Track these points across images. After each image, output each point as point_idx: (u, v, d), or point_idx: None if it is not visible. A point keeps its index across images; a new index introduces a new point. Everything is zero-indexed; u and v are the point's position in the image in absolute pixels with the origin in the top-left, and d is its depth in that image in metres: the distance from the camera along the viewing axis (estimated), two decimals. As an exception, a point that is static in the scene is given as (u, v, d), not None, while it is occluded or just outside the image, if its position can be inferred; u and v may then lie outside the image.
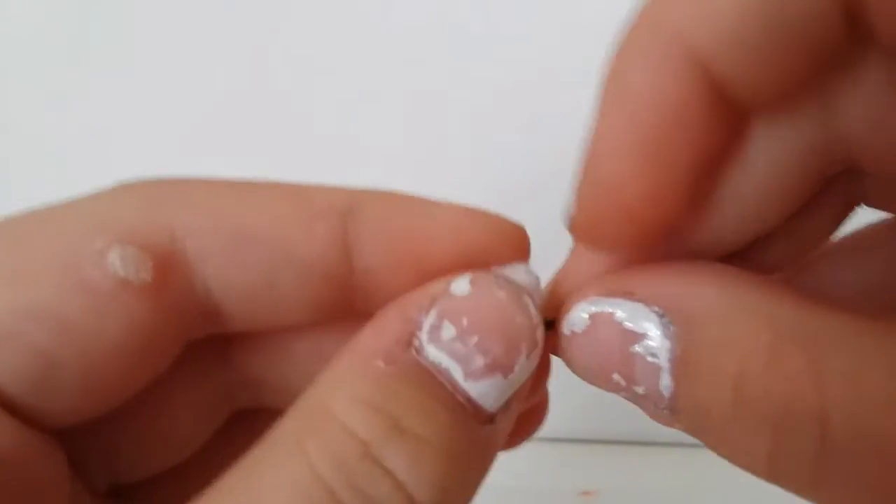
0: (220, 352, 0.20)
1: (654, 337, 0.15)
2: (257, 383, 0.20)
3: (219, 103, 0.43)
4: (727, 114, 0.15)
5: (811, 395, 0.13)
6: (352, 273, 0.18)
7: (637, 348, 0.15)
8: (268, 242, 0.17)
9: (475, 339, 0.16)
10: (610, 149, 0.15)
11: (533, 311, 0.16)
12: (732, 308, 0.15)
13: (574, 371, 0.17)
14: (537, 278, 0.18)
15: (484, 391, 0.16)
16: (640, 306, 0.15)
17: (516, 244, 0.18)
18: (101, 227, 0.16)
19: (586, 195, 0.16)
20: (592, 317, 0.16)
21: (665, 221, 0.16)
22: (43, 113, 0.44)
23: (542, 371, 0.20)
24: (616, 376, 0.16)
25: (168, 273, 0.17)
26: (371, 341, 0.16)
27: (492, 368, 0.16)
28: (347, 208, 0.18)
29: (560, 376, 0.46)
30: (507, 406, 0.17)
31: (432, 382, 0.16)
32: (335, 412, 0.15)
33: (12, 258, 0.16)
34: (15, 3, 0.43)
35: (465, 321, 0.16)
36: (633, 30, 0.15)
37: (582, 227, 0.17)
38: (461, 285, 0.16)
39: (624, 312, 0.15)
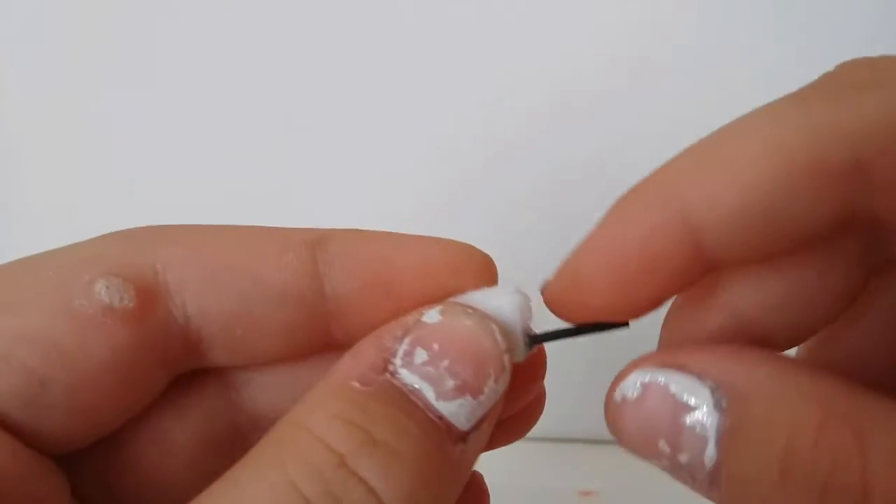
0: (223, 391, 0.21)
1: (704, 409, 0.16)
2: (270, 420, 0.21)
3: (211, 115, 0.43)
4: (700, 266, 0.17)
5: (856, 469, 0.14)
6: (324, 299, 0.19)
7: (686, 419, 0.16)
8: (242, 272, 0.19)
9: (445, 362, 0.17)
10: (594, 261, 0.18)
11: (499, 338, 0.18)
12: (784, 386, 0.16)
13: (619, 437, 0.18)
14: (523, 296, 0.19)
15: (455, 411, 0.17)
16: (693, 379, 0.16)
17: (481, 269, 0.19)
18: (90, 262, 0.18)
19: (561, 281, 0.18)
20: (645, 386, 0.17)
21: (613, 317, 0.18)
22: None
23: (538, 369, 0.21)
24: (662, 443, 0.16)
25: (150, 300, 0.18)
26: (347, 367, 0.18)
27: (462, 390, 0.17)
28: (317, 240, 0.19)
29: (560, 376, 0.46)
30: (478, 426, 0.18)
31: (405, 401, 0.17)
32: (312, 427, 0.16)
33: (8, 291, 0.18)
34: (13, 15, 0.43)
35: (435, 346, 0.17)
36: (646, 183, 0.17)
37: (549, 297, 0.19)
38: (432, 315, 0.18)
39: (677, 384, 0.17)
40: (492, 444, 0.22)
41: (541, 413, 0.23)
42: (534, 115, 0.41)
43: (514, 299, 0.19)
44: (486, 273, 0.20)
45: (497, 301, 0.19)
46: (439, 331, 0.18)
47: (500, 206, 0.42)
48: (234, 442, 0.21)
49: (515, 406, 0.21)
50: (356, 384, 0.17)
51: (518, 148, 0.41)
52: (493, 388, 0.17)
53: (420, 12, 0.41)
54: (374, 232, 0.20)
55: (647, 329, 0.44)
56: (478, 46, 0.41)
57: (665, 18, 0.39)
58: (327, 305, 0.19)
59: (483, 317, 0.18)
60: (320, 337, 0.20)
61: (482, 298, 0.19)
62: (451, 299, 0.19)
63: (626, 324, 0.19)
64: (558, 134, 0.41)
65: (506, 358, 0.18)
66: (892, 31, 0.38)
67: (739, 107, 0.41)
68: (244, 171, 0.43)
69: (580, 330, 0.19)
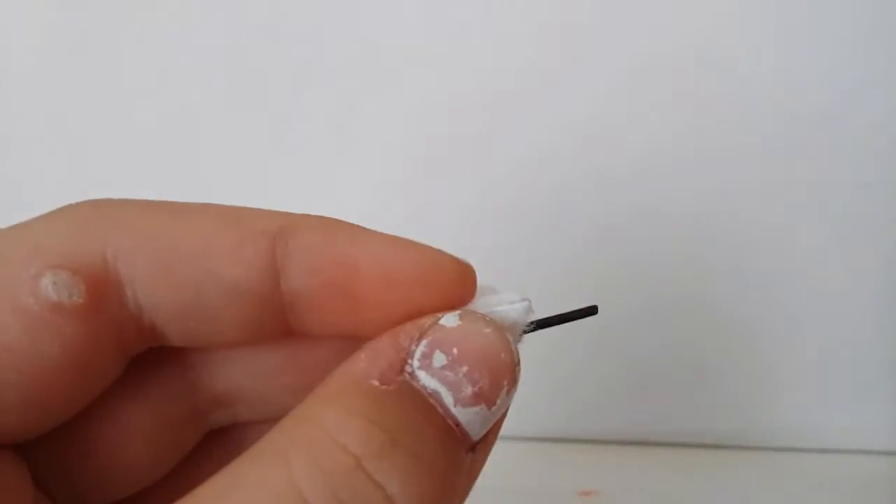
0: (180, 370, 0.20)
1: None
2: (228, 400, 0.21)
3: (208, 111, 0.43)
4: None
5: None
6: (280, 294, 0.18)
7: None
8: (196, 264, 0.18)
9: (465, 368, 0.17)
10: None
11: (514, 349, 0.17)
12: None
13: None
14: (529, 304, 0.19)
15: (470, 419, 0.17)
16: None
17: (453, 283, 0.18)
18: (36, 253, 0.17)
19: None
20: None
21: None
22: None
23: None
24: None
25: (100, 293, 0.17)
26: (364, 364, 0.17)
27: (478, 398, 0.17)
28: (278, 232, 0.18)
29: (561, 377, 0.46)
30: (485, 437, 0.17)
31: (425, 404, 0.16)
32: (326, 425, 0.15)
33: None
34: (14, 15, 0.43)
35: (455, 351, 0.17)
36: None
37: None
38: (451, 319, 0.17)
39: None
40: None
41: None
42: (532, 116, 0.41)
43: (523, 307, 0.19)
44: (459, 287, 0.18)
45: (507, 309, 0.19)
46: (458, 336, 0.17)
47: (498, 204, 0.42)
48: (194, 423, 0.21)
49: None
50: (376, 382, 0.16)
51: (516, 147, 0.41)
52: (504, 399, 0.17)
53: (419, 12, 0.41)
54: (343, 226, 0.19)
55: (643, 332, 0.44)
56: (477, 46, 0.41)
57: (665, 18, 0.39)
58: (283, 300, 0.18)
59: (500, 327, 0.18)
60: (277, 327, 0.19)
61: (492, 304, 0.19)
62: (469, 306, 0.18)
63: (594, 310, 0.19)
64: (557, 134, 0.41)
65: (517, 370, 0.17)
66: (893, 30, 0.38)
67: (737, 106, 0.42)
68: (244, 170, 0.43)
69: (553, 321, 0.19)
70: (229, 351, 0.20)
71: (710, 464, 0.42)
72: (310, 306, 0.18)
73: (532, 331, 0.19)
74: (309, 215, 0.19)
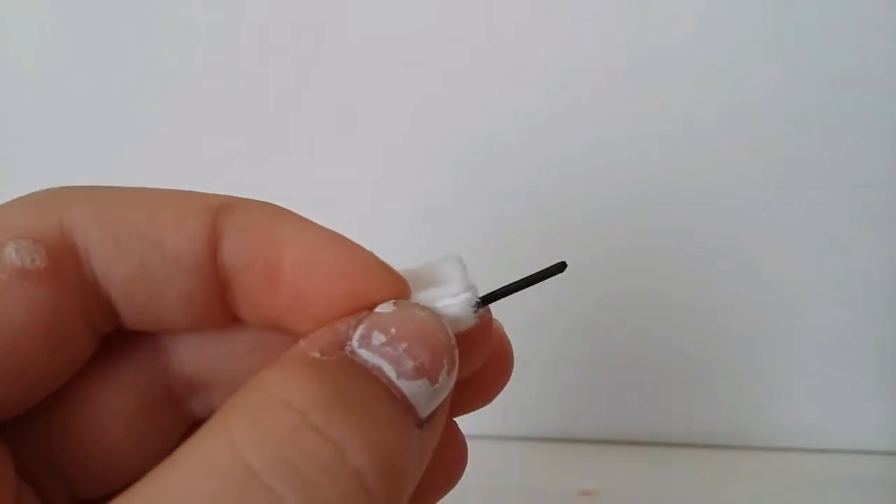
0: (152, 354, 0.21)
1: None
2: (202, 384, 0.21)
3: (209, 107, 0.43)
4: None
5: None
6: (216, 269, 0.19)
7: None
8: (142, 235, 0.19)
9: (404, 344, 0.17)
10: None
11: (450, 332, 0.18)
12: None
13: None
14: (467, 296, 0.19)
15: (416, 391, 0.17)
16: None
17: (379, 285, 0.18)
18: None
19: None
20: None
21: None
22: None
23: (487, 331, 0.20)
24: None
25: (61, 260, 0.18)
26: (304, 344, 0.17)
27: (421, 371, 0.17)
28: (219, 207, 0.19)
29: (562, 377, 0.46)
30: (432, 417, 0.17)
31: (369, 375, 0.17)
32: (268, 387, 0.15)
33: None
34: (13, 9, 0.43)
35: (392, 330, 0.17)
36: None
37: None
38: (386, 306, 0.18)
39: None
40: (462, 409, 0.22)
41: (508, 378, 0.22)
42: (532, 116, 0.41)
43: (464, 301, 0.19)
44: (385, 294, 0.18)
45: (448, 305, 0.19)
46: (395, 318, 0.17)
47: (497, 204, 0.42)
48: (172, 409, 0.21)
49: (470, 369, 0.21)
50: (317, 354, 0.16)
51: (515, 145, 0.41)
52: (446, 379, 0.17)
53: (419, 11, 0.41)
54: (281, 213, 0.19)
55: (643, 333, 0.44)
56: (477, 46, 0.41)
57: (665, 17, 0.39)
58: (219, 277, 0.19)
59: (435, 313, 0.18)
60: (220, 310, 0.19)
61: (434, 298, 0.19)
62: (411, 299, 0.19)
63: (563, 267, 0.19)
64: (556, 133, 0.41)
65: (455, 353, 0.18)
66: (893, 29, 0.38)
67: (736, 105, 0.42)
68: (246, 168, 0.43)
69: (524, 283, 0.19)
70: (198, 337, 0.20)
71: (711, 464, 0.42)
72: (237, 286, 0.19)
73: (504, 296, 0.19)
74: (253, 199, 0.19)
